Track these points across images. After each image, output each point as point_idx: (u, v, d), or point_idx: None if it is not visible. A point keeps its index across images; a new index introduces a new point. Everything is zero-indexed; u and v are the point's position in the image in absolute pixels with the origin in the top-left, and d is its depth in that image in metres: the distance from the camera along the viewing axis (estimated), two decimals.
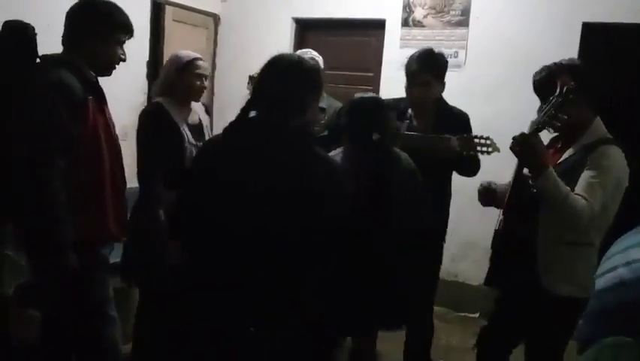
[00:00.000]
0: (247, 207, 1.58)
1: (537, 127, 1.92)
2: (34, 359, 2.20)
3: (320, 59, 3.03)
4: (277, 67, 1.70)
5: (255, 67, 4.40)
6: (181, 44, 4.34)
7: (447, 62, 2.63)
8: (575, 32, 3.59)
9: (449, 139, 2.38)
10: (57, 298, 2.01)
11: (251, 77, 4.55)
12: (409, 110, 2.65)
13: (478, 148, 2.41)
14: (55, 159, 1.86)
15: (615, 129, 2.09)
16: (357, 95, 2.35)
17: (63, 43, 2.05)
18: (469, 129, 2.59)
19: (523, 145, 1.92)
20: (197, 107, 2.72)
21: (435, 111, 2.60)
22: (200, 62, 2.62)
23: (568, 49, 3.46)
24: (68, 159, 1.90)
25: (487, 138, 2.39)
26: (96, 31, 2.02)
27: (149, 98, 4.27)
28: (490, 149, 2.39)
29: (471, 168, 2.57)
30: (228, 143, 1.68)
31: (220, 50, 4.77)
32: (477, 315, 3.72)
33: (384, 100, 2.33)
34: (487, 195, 2.25)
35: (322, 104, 3.04)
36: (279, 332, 1.62)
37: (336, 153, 2.21)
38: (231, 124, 1.69)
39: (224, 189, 1.62)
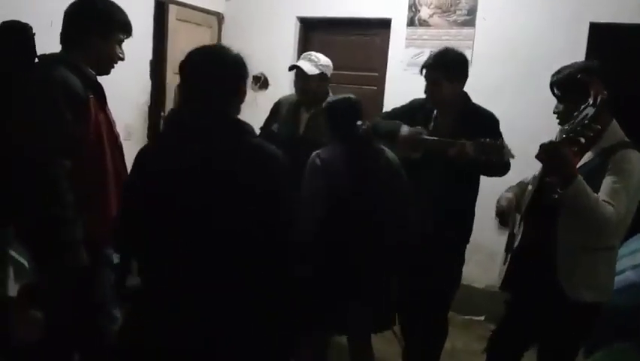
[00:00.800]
0: (204, 208, 1.54)
1: (569, 136, 1.84)
2: (37, 358, 2.20)
3: (326, 60, 3.00)
4: (203, 61, 1.69)
5: (260, 67, 4.40)
6: (184, 44, 4.32)
7: (463, 61, 2.54)
8: (582, 32, 3.56)
9: (464, 144, 2.27)
10: (59, 298, 2.01)
11: (255, 77, 4.53)
12: (435, 111, 2.60)
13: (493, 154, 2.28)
14: (57, 158, 1.85)
15: (623, 130, 2.06)
16: (332, 99, 2.49)
17: (62, 42, 2.04)
18: (497, 132, 2.48)
19: (553, 154, 1.84)
20: None
21: (458, 111, 2.54)
22: None
23: (575, 49, 3.44)
24: (72, 158, 1.89)
25: (501, 144, 2.27)
26: (95, 30, 2.01)
27: (151, 100, 4.27)
28: (504, 156, 2.27)
29: (495, 170, 2.44)
30: (174, 147, 1.61)
31: None
32: (482, 318, 3.70)
33: (352, 99, 2.42)
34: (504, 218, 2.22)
35: None
36: (240, 330, 1.58)
37: (318, 152, 2.33)
38: (171, 128, 1.69)
39: (174, 193, 1.56)
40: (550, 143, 1.87)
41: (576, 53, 3.33)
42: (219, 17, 4.73)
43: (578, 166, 1.99)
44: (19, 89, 1.93)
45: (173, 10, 4.23)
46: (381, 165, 2.36)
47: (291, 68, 2.97)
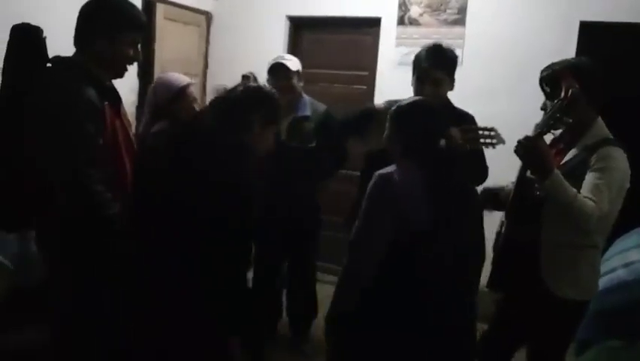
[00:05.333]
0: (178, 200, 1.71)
1: (542, 130, 1.90)
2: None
3: (294, 61, 2.98)
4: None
5: (249, 66, 4.35)
6: (172, 43, 4.28)
7: (457, 56, 2.51)
8: (572, 31, 3.57)
9: (450, 129, 2.14)
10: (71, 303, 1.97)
11: (244, 77, 4.48)
12: None
13: (482, 140, 2.25)
14: (88, 170, 1.83)
15: (613, 129, 2.07)
16: (403, 102, 1.93)
17: (74, 44, 1.99)
18: None
19: (529, 148, 1.89)
20: None
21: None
22: (191, 89, 2.60)
23: (565, 48, 3.45)
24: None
25: (492, 129, 2.24)
26: (101, 31, 1.95)
27: (139, 100, 4.23)
28: (494, 140, 2.23)
29: (477, 171, 2.44)
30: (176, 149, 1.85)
31: (212, 49, 4.71)
32: None
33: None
34: (489, 200, 2.20)
35: (306, 112, 2.97)
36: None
37: (388, 172, 1.78)
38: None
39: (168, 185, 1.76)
40: (526, 138, 1.91)
41: (566, 51, 3.33)
42: (208, 16, 4.69)
43: (562, 163, 2.02)
44: (37, 100, 1.88)
45: (160, 9, 4.18)
46: (466, 196, 1.86)
47: (274, 67, 2.93)
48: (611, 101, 2.64)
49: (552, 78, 2.02)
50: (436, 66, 2.40)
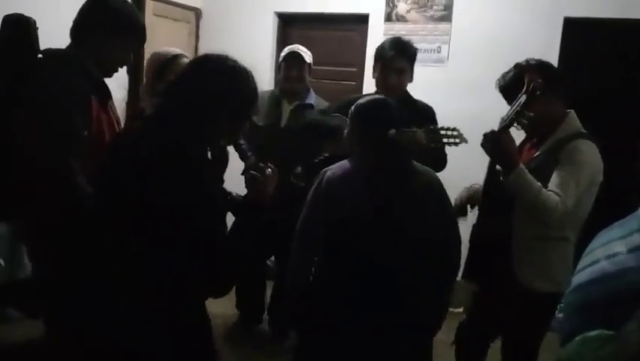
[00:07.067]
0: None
1: (505, 124, 1.91)
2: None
3: (309, 54, 3.03)
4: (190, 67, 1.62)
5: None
6: (162, 39, 4.27)
7: (417, 50, 2.66)
8: (556, 27, 3.62)
9: (415, 132, 2.22)
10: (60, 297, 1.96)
11: None
12: None
13: (445, 140, 2.28)
14: (70, 162, 1.82)
15: (596, 124, 2.09)
16: (360, 100, 2.01)
17: (70, 37, 2.00)
18: (435, 123, 2.51)
19: (494, 142, 1.91)
20: None
21: (400, 104, 2.52)
22: (182, 60, 2.58)
23: (550, 43, 3.49)
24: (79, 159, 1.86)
25: (454, 129, 2.29)
26: (99, 30, 1.96)
27: (132, 99, 4.25)
28: (457, 140, 2.27)
29: (437, 162, 2.50)
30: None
31: (202, 45, 4.71)
32: (461, 309, 3.73)
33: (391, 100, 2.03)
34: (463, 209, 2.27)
35: (312, 100, 3.03)
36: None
37: (328, 168, 1.91)
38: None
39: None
40: (491, 132, 1.93)
41: (551, 47, 3.38)
42: (197, 12, 4.69)
43: (534, 156, 2.04)
44: (27, 89, 1.88)
45: (150, 6, 4.18)
46: (416, 192, 1.90)
47: (289, 55, 2.98)
48: (593, 96, 2.71)
49: (517, 77, 2.02)
50: (400, 55, 2.55)
